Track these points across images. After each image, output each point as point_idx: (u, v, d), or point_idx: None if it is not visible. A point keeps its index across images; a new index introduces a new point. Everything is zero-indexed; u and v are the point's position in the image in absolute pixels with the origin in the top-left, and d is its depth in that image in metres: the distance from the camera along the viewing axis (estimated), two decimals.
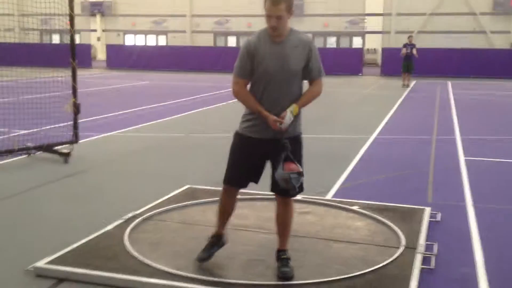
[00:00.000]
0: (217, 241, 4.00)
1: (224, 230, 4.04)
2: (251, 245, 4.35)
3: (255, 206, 5.30)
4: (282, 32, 3.62)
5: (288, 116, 3.60)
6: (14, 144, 7.39)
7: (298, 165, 3.64)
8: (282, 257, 3.85)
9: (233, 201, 3.98)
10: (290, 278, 3.73)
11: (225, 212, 4.00)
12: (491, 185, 6.58)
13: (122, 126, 10.44)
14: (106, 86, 19.89)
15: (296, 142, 3.76)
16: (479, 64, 26.68)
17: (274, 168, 3.67)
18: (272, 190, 3.84)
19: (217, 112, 12.96)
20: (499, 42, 33.41)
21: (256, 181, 3.88)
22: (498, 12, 34.01)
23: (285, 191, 3.74)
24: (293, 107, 3.65)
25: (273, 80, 3.62)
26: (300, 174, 3.61)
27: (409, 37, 22.21)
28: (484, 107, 14.94)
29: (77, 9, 9.67)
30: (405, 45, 21.62)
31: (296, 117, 3.70)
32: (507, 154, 8.45)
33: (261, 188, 5.05)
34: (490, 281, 3.83)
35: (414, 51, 21.37)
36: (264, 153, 3.77)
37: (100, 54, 40.28)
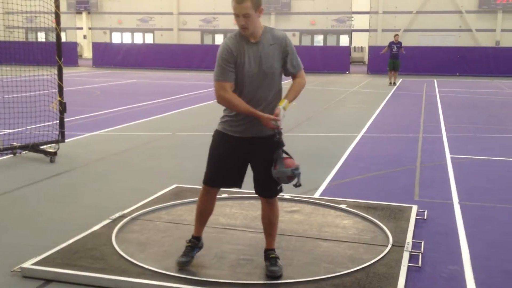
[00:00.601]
0: (196, 243, 3.96)
1: (201, 232, 3.99)
2: (240, 244, 4.35)
3: (243, 205, 5.29)
4: (255, 31, 3.56)
5: (282, 113, 3.58)
6: None
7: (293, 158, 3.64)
8: (270, 256, 3.85)
9: (213, 202, 3.94)
10: (279, 277, 3.74)
11: (204, 213, 3.94)
12: (477, 183, 6.64)
13: (109, 125, 10.38)
14: (93, 85, 19.76)
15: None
16: (465, 62, 26.95)
17: (273, 167, 3.59)
18: (256, 192, 3.84)
19: (204, 111, 12.94)
20: (485, 40, 33.73)
21: (239, 185, 3.83)
22: (483, 10, 34.32)
23: (270, 192, 3.75)
24: (285, 103, 3.63)
25: (254, 80, 3.58)
26: (298, 167, 3.61)
27: (395, 35, 22.34)
28: (470, 105, 15.06)
29: (62, 7, 9.60)
30: (390, 44, 21.74)
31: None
32: (492, 151, 8.53)
33: (249, 187, 5.07)
34: (477, 278, 3.87)
35: (402, 50, 21.55)
36: (245, 153, 3.71)
37: (87, 52, 40.06)
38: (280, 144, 3.63)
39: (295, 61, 3.72)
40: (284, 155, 3.64)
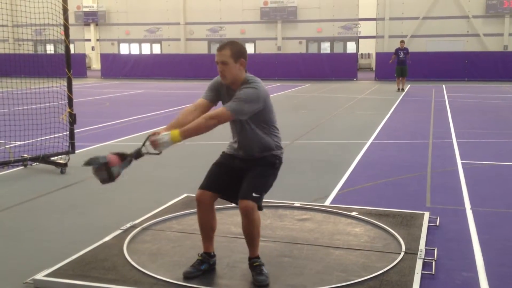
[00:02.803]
0: (206, 258, 3.95)
1: (210, 248, 3.98)
2: None
3: None
4: (233, 81, 3.69)
5: (160, 137, 3.50)
6: (10, 155, 7.36)
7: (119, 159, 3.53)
8: (254, 264, 3.81)
9: (209, 216, 3.90)
10: (266, 285, 3.69)
11: (203, 227, 3.93)
12: (489, 188, 6.59)
13: (119, 135, 10.41)
14: (102, 96, 19.86)
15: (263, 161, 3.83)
16: (473, 67, 26.84)
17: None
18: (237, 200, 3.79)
19: None
20: (493, 45, 33.60)
21: (222, 193, 3.88)
22: (490, 15, 34.22)
23: (242, 194, 3.72)
24: (168, 135, 3.54)
25: (232, 124, 3.84)
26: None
27: (401, 42, 22.28)
28: (480, 110, 14.99)
29: (71, 19, 9.67)
30: (397, 50, 21.69)
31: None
32: (503, 157, 8.47)
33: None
34: (491, 285, 3.83)
35: (408, 56, 21.47)
36: (233, 168, 3.85)
37: (95, 63, 40.31)
38: (137, 155, 3.57)
39: (231, 101, 3.65)
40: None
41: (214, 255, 4.01)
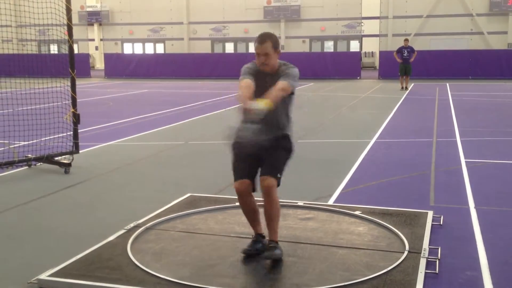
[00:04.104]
0: (259, 239, 4.25)
1: (259, 229, 4.28)
2: None
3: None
4: (272, 67, 4.14)
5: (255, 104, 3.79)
6: (14, 155, 7.39)
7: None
8: (270, 245, 4.10)
9: (249, 200, 4.16)
10: (277, 259, 4.05)
11: (246, 212, 4.25)
12: (493, 187, 6.57)
13: (122, 135, 10.43)
14: (105, 95, 19.90)
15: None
16: (477, 65, 26.78)
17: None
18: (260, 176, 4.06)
19: (216, 119, 12.96)
20: (497, 43, 33.51)
21: (250, 178, 4.11)
22: (494, 12, 34.13)
23: (268, 170, 4.01)
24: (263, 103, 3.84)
25: None
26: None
27: (405, 40, 22.21)
28: (484, 108, 14.96)
29: (74, 19, 9.69)
30: (400, 49, 21.62)
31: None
32: (507, 155, 8.45)
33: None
34: (495, 284, 3.82)
35: (412, 58, 21.29)
36: (252, 154, 4.04)
37: (99, 63, 40.39)
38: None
39: (285, 78, 4.08)
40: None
41: (264, 236, 4.27)
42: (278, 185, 4.04)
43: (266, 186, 3.97)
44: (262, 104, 3.78)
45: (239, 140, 3.88)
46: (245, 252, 4.19)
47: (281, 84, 4.00)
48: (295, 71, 4.16)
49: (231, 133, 3.90)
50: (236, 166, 4.17)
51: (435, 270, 3.97)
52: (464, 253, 4.41)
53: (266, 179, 3.97)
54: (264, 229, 4.26)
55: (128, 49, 41.63)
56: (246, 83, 4.06)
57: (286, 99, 4.16)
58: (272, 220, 4.07)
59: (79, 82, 9.82)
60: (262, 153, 4.05)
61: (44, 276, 3.80)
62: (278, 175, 4.02)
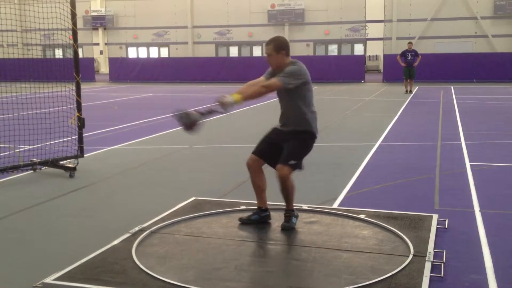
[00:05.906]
0: (257, 211, 4.96)
1: (260, 203, 4.95)
2: (259, 256, 4.34)
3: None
4: (277, 66, 4.72)
5: (228, 98, 4.31)
6: (19, 159, 7.42)
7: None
8: (286, 215, 4.86)
9: (257, 176, 4.82)
10: (289, 229, 4.77)
11: (255, 187, 4.90)
12: (498, 190, 6.55)
13: (127, 139, 10.46)
14: (110, 100, 19.96)
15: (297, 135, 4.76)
16: (482, 68, 26.71)
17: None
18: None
19: (220, 123, 12.97)
20: (501, 46, 33.43)
21: (265, 159, 4.80)
22: (499, 15, 34.06)
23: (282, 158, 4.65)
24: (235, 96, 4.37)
25: (280, 99, 4.89)
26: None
27: (409, 43, 22.14)
28: (488, 111, 14.92)
29: (79, 23, 9.73)
30: (404, 52, 21.53)
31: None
32: None
33: (268, 199, 5.06)
34: (500, 287, 3.81)
35: (417, 62, 21.17)
36: (277, 140, 4.80)
37: (103, 67, 40.50)
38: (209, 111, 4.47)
39: (279, 75, 4.62)
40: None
41: (265, 210, 4.97)
42: (296, 168, 4.63)
43: (279, 175, 4.60)
44: (231, 98, 4.24)
45: (177, 114, 4.39)
46: (241, 220, 4.92)
47: (269, 81, 4.59)
48: (293, 68, 4.61)
49: (180, 111, 4.39)
50: (259, 142, 4.89)
51: (440, 273, 3.96)
52: (469, 256, 4.40)
53: (280, 168, 4.58)
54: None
55: (132, 53, 41.75)
56: (255, 80, 4.74)
57: (294, 96, 4.64)
58: (287, 197, 4.77)
59: (84, 86, 9.85)
60: (283, 145, 4.68)
61: (49, 279, 3.81)
62: (291, 162, 4.56)
